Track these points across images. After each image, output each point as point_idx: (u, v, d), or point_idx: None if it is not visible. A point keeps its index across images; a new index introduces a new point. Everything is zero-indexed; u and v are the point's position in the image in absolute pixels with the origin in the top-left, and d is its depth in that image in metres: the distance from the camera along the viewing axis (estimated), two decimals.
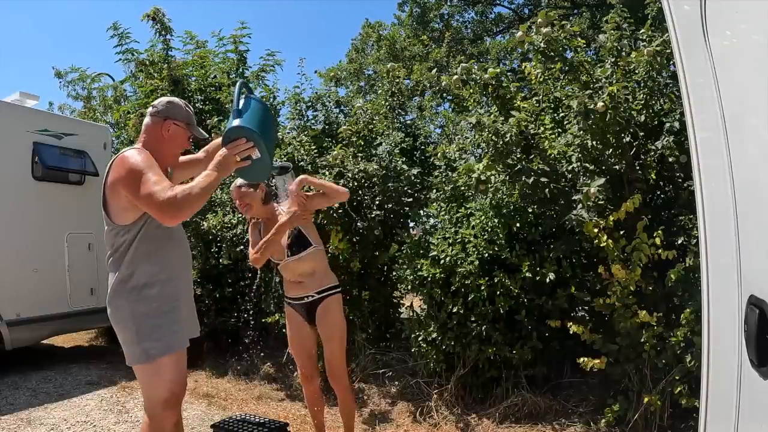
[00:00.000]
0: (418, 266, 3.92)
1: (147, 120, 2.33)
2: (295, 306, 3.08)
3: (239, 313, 5.40)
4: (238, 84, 2.23)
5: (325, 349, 3.05)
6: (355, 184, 4.54)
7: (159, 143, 2.28)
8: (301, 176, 2.96)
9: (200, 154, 2.57)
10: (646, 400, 3.22)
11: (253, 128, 2.10)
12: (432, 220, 4.39)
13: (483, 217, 3.83)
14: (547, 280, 3.54)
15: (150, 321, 2.16)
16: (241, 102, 2.16)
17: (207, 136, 2.58)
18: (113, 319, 2.23)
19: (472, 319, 3.74)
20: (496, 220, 3.77)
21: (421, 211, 4.53)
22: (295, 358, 3.20)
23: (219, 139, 2.48)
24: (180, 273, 2.31)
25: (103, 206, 2.20)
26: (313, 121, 5.57)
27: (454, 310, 3.76)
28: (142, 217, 2.16)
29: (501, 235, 3.73)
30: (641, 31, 3.73)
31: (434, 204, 4.25)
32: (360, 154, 4.77)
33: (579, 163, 3.58)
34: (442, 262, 3.81)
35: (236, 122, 2.12)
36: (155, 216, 2.08)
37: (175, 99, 2.41)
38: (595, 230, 3.27)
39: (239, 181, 2.97)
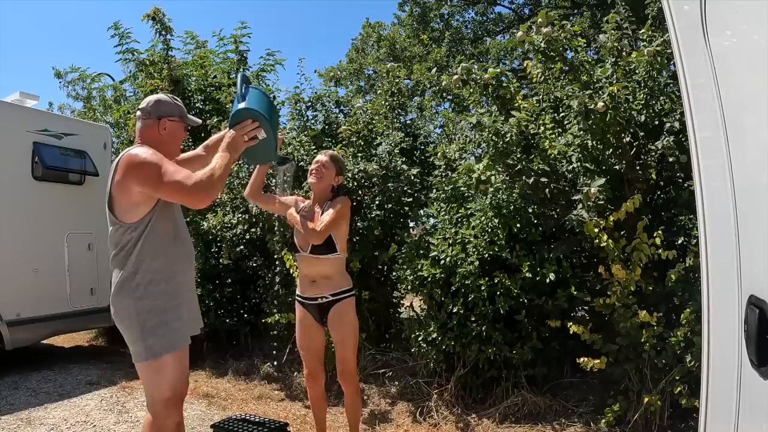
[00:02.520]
0: (418, 266, 3.92)
1: (139, 124, 2.34)
2: (307, 306, 3.04)
3: (239, 313, 5.41)
4: (239, 76, 2.37)
5: (338, 351, 3.02)
6: (355, 184, 4.54)
7: (158, 143, 2.29)
8: (290, 211, 2.95)
9: (200, 150, 2.57)
10: (646, 400, 3.22)
11: (256, 109, 2.24)
12: (432, 221, 4.38)
13: (483, 218, 3.83)
14: (547, 280, 3.53)
15: (154, 318, 2.18)
16: (243, 90, 2.31)
17: (201, 121, 2.66)
18: (117, 318, 2.24)
19: (472, 319, 3.74)
20: (496, 221, 3.77)
21: (421, 211, 4.53)
22: (302, 358, 3.16)
23: (217, 135, 2.56)
24: (183, 270, 2.32)
25: (108, 206, 2.21)
26: (313, 121, 5.58)
27: (454, 310, 3.76)
28: (148, 214, 2.18)
29: (501, 236, 3.73)
30: (641, 31, 3.74)
31: (434, 204, 4.25)
32: (360, 154, 4.77)
33: (579, 163, 3.58)
34: (442, 262, 3.81)
35: (241, 105, 2.25)
36: (184, 202, 2.17)
37: (161, 96, 2.41)
38: (596, 230, 3.27)
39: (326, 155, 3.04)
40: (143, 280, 2.18)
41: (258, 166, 3.02)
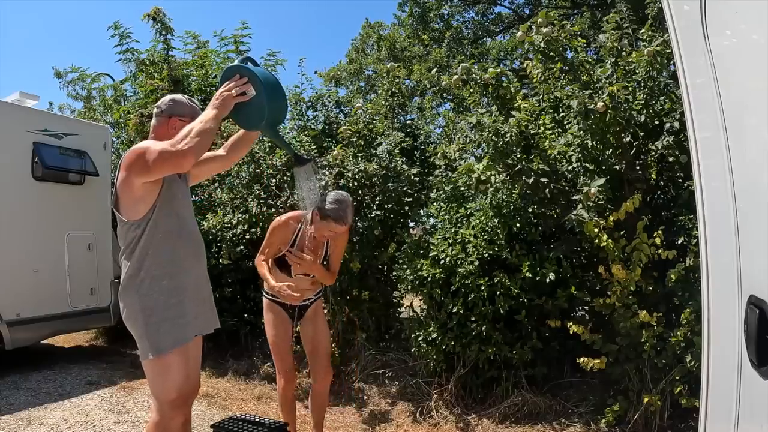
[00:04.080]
0: (418, 266, 3.92)
1: (153, 121, 2.38)
2: (285, 304, 3.04)
3: (239, 313, 5.40)
4: (239, 58, 2.38)
5: (323, 345, 3.12)
6: (355, 184, 4.54)
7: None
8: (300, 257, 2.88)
9: (221, 150, 2.56)
10: (646, 400, 3.22)
11: (245, 66, 2.23)
12: (432, 220, 4.39)
13: (483, 218, 3.83)
14: (547, 280, 3.54)
15: (157, 314, 2.18)
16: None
17: None
18: (124, 315, 2.25)
19: (472, 319, 3.74)
20: (496, 221, 3.77)
21: (421, 211, 4.53)
22: (279, 358, 3.08)
23: (237, 134, 2.52)
24: (188, 267, 2.31)
25: (115, 206, 2.23)
26: (313, 121, 5.58)
27: (454, 310, 3.76)
28: (149, 212, 2.19)
29: (501, 236, 3.73)
30: (641, 31, 3.74)
31: (434, 204, 4.26)
32: (360, 154, 4.77)
33: (579, 163, 3.58)
34: (442, 262, 3.81)
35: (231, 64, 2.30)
36: (177, 166, 2.08)
37: (178, 96, 2.43)
38: (596, 230, 3.27)
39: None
40: (147, 276, 2.19)
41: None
